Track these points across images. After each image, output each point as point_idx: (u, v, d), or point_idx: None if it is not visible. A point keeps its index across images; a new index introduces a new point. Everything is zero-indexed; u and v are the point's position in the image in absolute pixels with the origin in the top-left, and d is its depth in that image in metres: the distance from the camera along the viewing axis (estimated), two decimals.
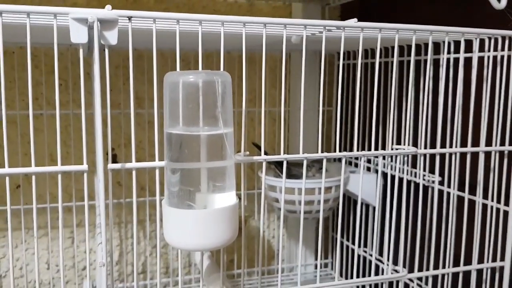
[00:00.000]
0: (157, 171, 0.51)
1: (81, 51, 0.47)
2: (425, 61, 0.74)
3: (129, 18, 0.47)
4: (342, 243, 1.02)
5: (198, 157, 0.46)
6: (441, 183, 0.71)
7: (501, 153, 0.66)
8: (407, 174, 0.79)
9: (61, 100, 0.91)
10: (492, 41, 0.64)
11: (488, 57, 0.64)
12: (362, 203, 0.92)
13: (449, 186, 0.69)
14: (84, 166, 0.48)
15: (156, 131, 0.50)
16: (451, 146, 0.66)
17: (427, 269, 0.68)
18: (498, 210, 0.67)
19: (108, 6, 0.46)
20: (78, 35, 0.45)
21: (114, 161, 0.96)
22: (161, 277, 1.00)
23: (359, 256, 0.94)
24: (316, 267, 1.06)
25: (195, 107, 0.46)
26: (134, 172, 0.51)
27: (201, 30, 0.51)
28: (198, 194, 0.47)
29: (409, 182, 0.76)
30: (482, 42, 0.64)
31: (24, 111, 0.88)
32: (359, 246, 0.95)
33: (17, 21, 0.48)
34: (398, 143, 0.80)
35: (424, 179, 0.72)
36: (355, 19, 0.55)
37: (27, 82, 0.46)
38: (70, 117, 0.90)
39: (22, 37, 0.48)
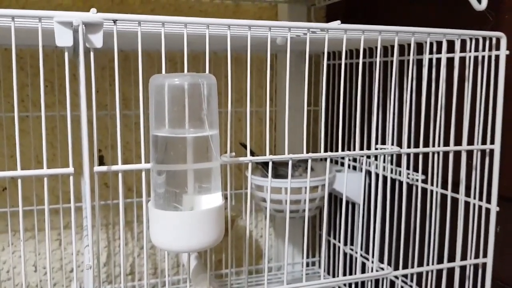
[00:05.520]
0: (143, 173, 0.51)
1: (66, 54, 0.47)
2: (409, 61, 0.75)
3: (114, 21, 0.47)
4: (329, 241, 1.03)
5: (184, 159, 0.47)
6: (425, 181, 0.72)
7: (483, 152, 0.67)
8: (392, 172, 0.80)
9: (47, 102, 0.91)
10: (473, 41, 0.65)
11: (470, 57, 0.66)
12: (348, 202, 0.93)
13: (432, 184, 0.70)
14: (70, 169, 0.48)
15: (142, 132, 0.51)
16: (434, 145, 0.67)
17: (412, 266, 0.69)
18: (480, 207, 0.68)
19: (93, 10, 0.46)
20: (63, 39, 0.45)
21: (101, 162, 0.95)
22: (150, 278, 1.00)
23: (345, 254, 0.95)
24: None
25: (181, 109, 0.46)
26: (120, 175, 0.51)
27: (187, 32, 0.51)
28: (185, 196, 0.47)
29: (393, 180, 0.77)
30: (464, 42, 0.65)
31: (9, 113, 0.88)
32: (345, 244, 0.96)
33: (2, 24, 0.48)
34: (383, 142, 0.81)
35: (408, 178, 0.73)
36: (339, 21, 0.56)
37: (13, 84, 0.46)
38: (56, 119, 0.90)
39: (7, 39, 0.48)
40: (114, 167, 0.50)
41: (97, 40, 0.46)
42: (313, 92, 1.03)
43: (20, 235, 0.48)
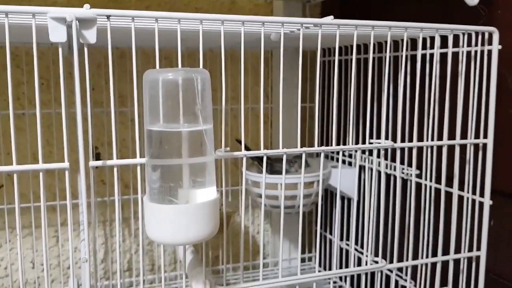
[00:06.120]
0: (138, 168, 0.52)
1: (60, 50, 0.48)
2: (403, 56, 0.75)
3: (108, 16, 0.48)
4: (325, 236, 1.03)
5: (179, 153, 0.47)
6: (419, 176, 0.73)
7: (476, 146, 0.68)
8: (386, 167, 0.80)
9: (43, 100, 0.91)
10: (466, 36, 0.65)
11: (462, 52, 0.66)
12: (343, 197, 0.94)
13: (426, 179, 0.71)
14: (66, 164, 0.48)
15: (137, 127, 0.51)
16: (427, 140, 0.68)
17: (406, 260, 0.70)
18: (473, 201, 0.69)
19: (86, 5, 0.46)
20: (57, 34, 0.46)
21: (98, 159, 0.96)
22: (147, 274, 1.01)
23: (341, 248, 0.96)
24: (301, 260, 1.08)
25: (175, 104, 0.47)
26: (115, 169, 0.51)
27: (181, 28, 0.52)
28: (180, 190, 0.48)
29: (388, 175, 0.78)
30: (456, 37, 0.66)
31: (5, 111, 0.88)
32: (341, 239, 0.96)
33: None
34: (378, 137, 0.81)
35: (402, 172, 0.73)
36: (332, 17, 0.56)
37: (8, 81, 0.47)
38: (52, 116, 0.90)
39: (2, 36, 0.49)
40: (109, 162, 0.50)
41: (90, 35, 0.47)
42: (309, 89, 1.04)
43: (17, 231, 0.48)
